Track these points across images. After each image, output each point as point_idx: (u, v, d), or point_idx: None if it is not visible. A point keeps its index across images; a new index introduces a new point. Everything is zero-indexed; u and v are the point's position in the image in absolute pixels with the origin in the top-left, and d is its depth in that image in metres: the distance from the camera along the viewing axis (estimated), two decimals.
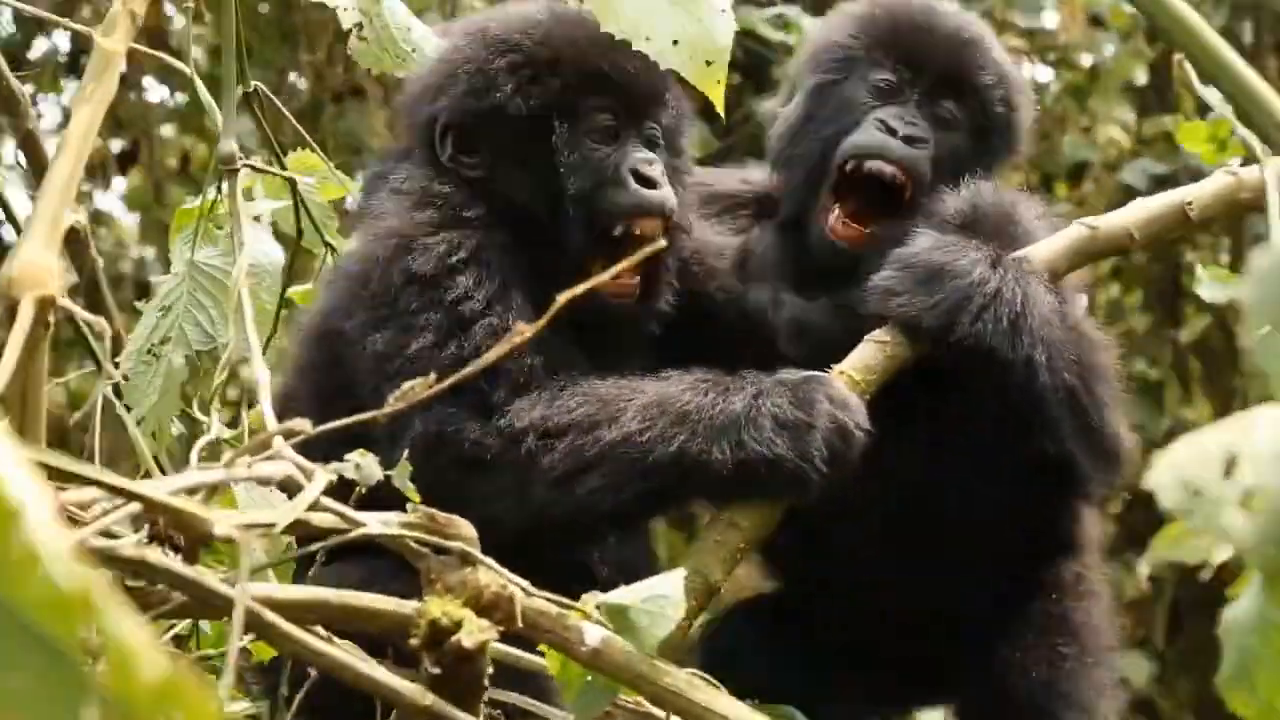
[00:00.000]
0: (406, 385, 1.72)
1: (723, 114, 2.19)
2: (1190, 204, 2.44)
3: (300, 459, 1.67)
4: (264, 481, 1.66)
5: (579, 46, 2.44)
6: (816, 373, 2.34)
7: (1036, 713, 2.63)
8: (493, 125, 2.43)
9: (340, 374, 2.28)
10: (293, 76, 5.34)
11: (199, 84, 2.34)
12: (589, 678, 1.84)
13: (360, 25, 2.44)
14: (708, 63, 2.12)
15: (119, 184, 5.57)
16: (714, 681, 1.83)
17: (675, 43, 2.10)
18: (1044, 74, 6.29)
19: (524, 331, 2.15)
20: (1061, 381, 2.42)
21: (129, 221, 5.55)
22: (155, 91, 5.45)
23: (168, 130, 5.66)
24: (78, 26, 2.05)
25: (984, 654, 2.60)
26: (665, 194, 2.46)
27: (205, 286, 2.39)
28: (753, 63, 5.25)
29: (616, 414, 2.31)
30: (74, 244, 2.96)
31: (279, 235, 2.52)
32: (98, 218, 5.59)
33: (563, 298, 1.66)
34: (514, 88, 2.42)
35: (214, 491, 1.64)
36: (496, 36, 2.45)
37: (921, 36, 2.64)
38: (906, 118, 2.58)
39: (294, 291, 2.63)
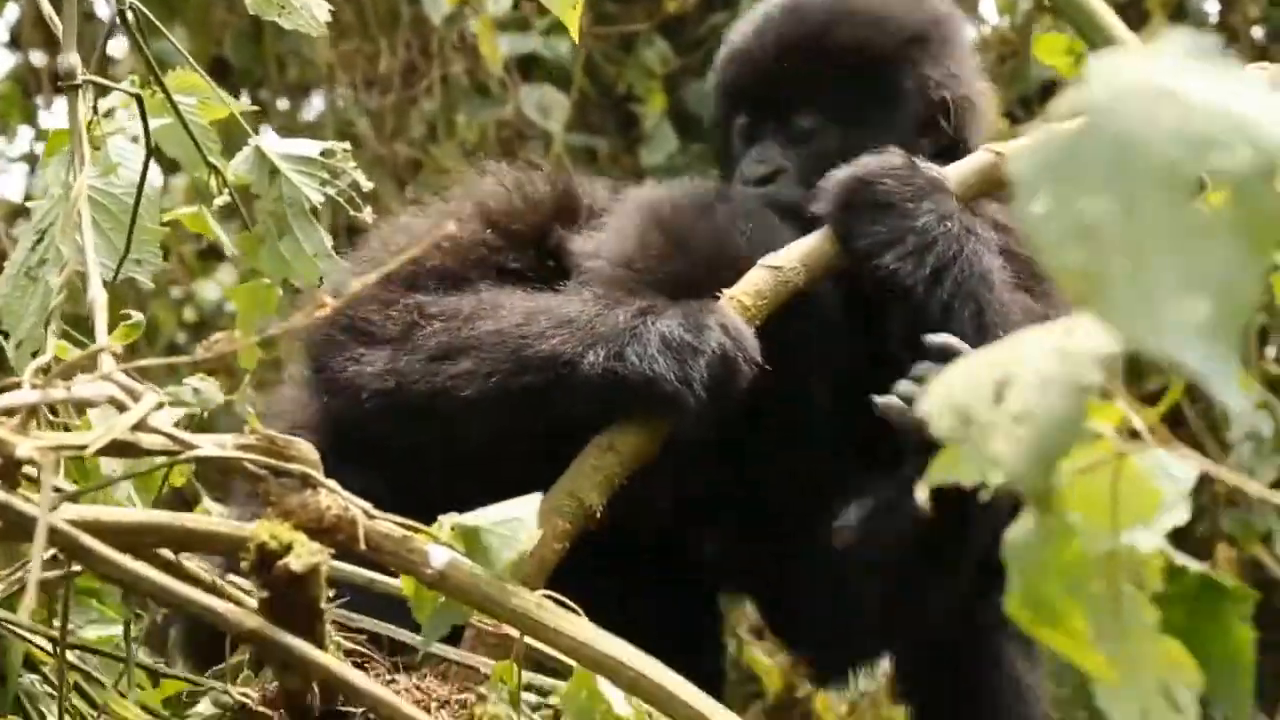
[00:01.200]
0: None
1: (575, 37, 2.16)
2: None
3: (126, 379, 1.65)
4: (85, 403, 1.64)
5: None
6: (714, 299, 2.32)
7: (975, 633, 2.65)
8: None
9: None
10: None
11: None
12: (440, 599, 1.83)
13: None
14: None
15: (60, 104, 5.54)
16: (568, 603, 1.81)
17: None
18: None
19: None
20: (989, 336, 2.38)
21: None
22: (101, 8, 5.41)
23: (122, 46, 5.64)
24: None
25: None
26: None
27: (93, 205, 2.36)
28: None
29: (500, 310, 2.31)
30: None
31: (164, 158, 2.47)
32: (43, 136, 5.56)
33: None
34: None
35: (34, 412, 1.62)
36: None
37: (754, 70, 2.64)
38: (760, 157, 2.60)
39: (181, 214, 2.60)
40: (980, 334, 2.37)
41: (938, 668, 2.67)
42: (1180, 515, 1.21)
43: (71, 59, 2.16)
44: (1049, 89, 6.08)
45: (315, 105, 5.59)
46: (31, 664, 2.05)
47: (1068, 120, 1.04)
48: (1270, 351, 5.01)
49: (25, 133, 5.63)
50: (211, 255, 5.59)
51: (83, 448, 1.54)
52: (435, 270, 2.49)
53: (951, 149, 2.59)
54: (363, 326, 2.34)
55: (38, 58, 5.51)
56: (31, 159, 5.52)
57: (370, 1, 4.91)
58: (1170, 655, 1.17)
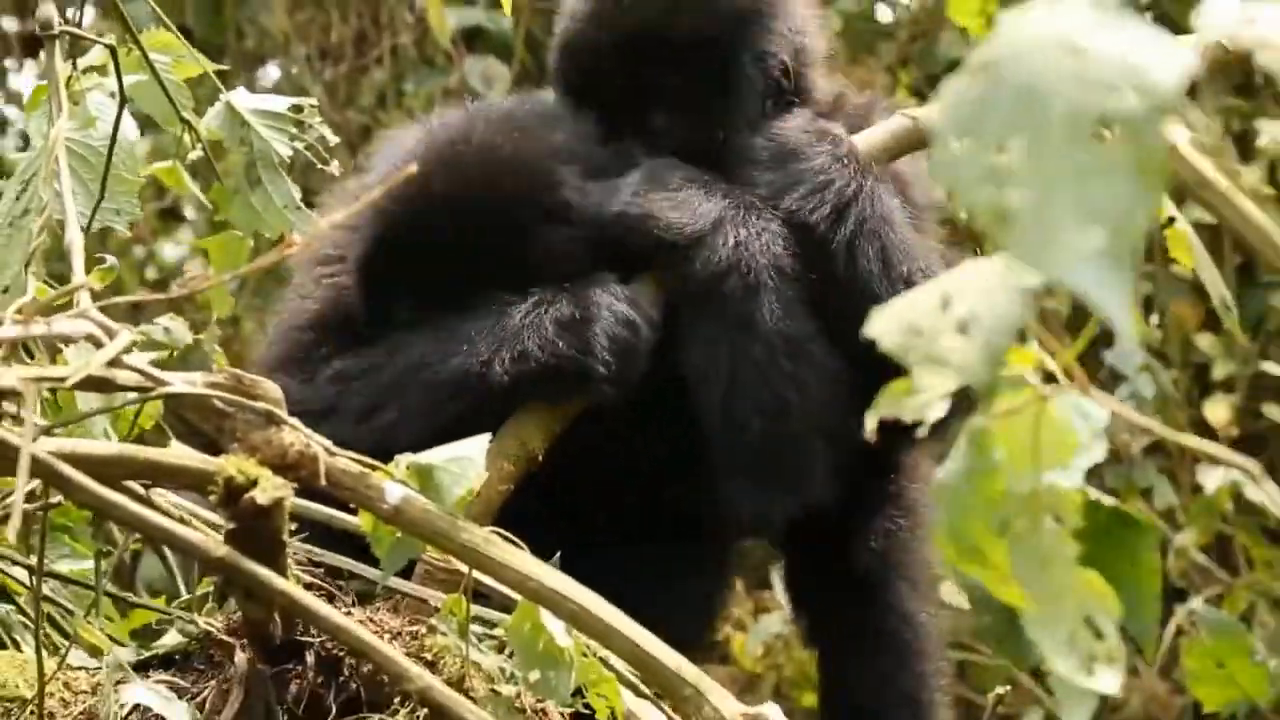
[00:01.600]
0: None
1: (507, 10, 2.16)
2: None
3: (102, 317, 1.65)
4: (63, 339, 1.64)
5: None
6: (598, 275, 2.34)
7: (871, 582, 2.69)
8: None
9: None
10: None
11: None
12: (397, 535, 1.84)
13: None
14: None
15: (31, 67, 5.50)
16: (512, 538, 1.82)
17: None
18: None
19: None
20: (894, 273, 2.40)
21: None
22: None
23: (88, 15, 5.58)
24: None
25: (826, 524, 2.61)
26: None
27: (72, 155, 2.35)
28: None
29: (410, 347, 2.31)
30: None
31: (140, 115, 2.47)
32: (13, 99, 5.53)
33: None
34: None
35: (15, 347, 1.62)
36: None
37: (595, 76, 2.54)
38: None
39: (157, 168, 2.59)
40: (885, 269, 2.41)
41: (841, 609, 2.70)
42: (1097, 454, 1.23)
43: (49, 9, 2.15)
44: (954, 66, 6.10)
45: (270, 75, 5.55)
46: (4, 593, 2.05)
47: (979, 70, 1.07)
48: (1154, 319, 5.06)
49: None
50: (171, 216, 5.55)
51: (62, 380, 1.54)
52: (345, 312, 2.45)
53: (794, 98, 2.57)
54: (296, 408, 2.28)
55: (8, 23, 5.45)
56: (0, 121, 5.46)
57: None
58: (1091, 585, 1.19)
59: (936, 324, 1.15)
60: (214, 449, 1.76)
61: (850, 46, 5.19)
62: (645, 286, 2.37)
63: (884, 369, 2.40)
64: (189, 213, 5.58)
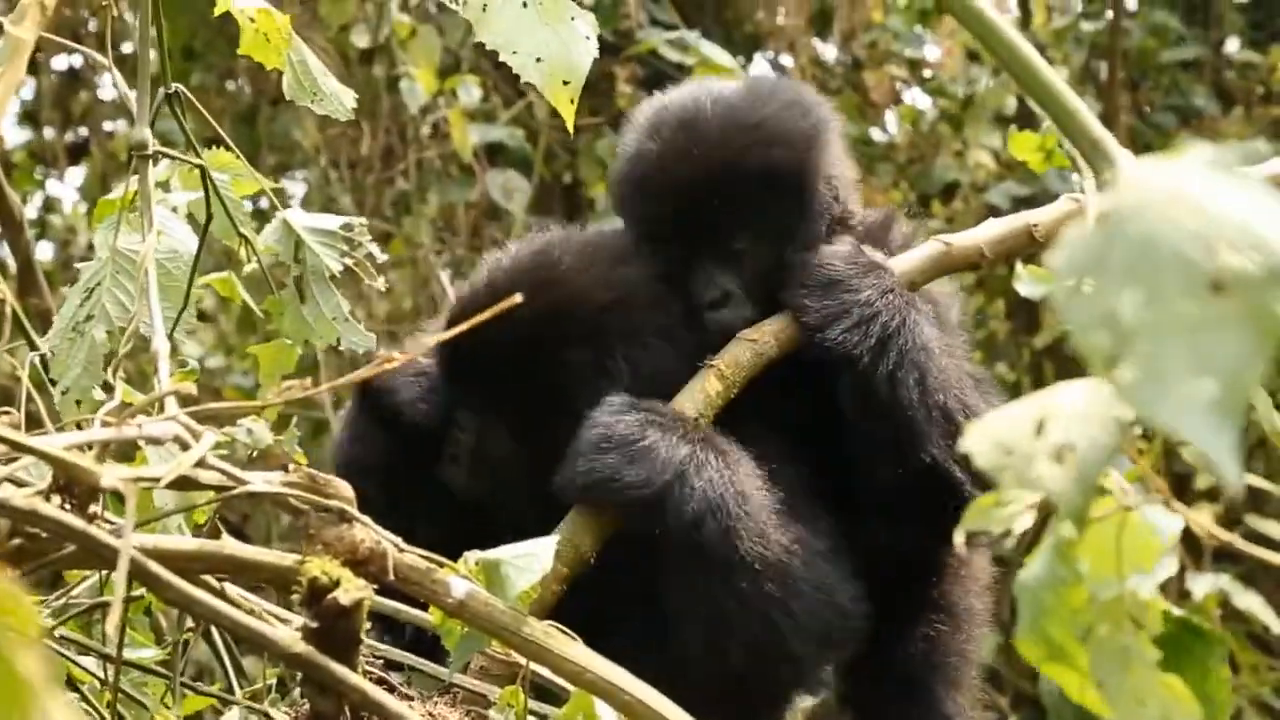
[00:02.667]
0: None
1: (571, 129, 2.17)
2: (1036, 226, 2.49)
3: (189, 420, 1.64)
4: (153, 440, 1.64)
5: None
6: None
7: (911, 682, 2.68)
8: None
9: None
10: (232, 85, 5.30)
11: (116, 75, 2.31)
12: (465, 630, 1.83)
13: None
14: (565, 82, 2.10)
15: (73, 174, 5.53)
16: (569, 632, 1.82)
17: (538, 60, 2.08)
18: (923, 101, 6.33)
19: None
20: (932, 400, 2.41)
21: (82, 208, 5.53)
22: (107, 91, 5.43)
23: (121, 125, 5.63)
24: None
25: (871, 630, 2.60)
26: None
27: (126, 269, 2.36)
28: (656, 78, 5.27)
29: None
30: (11, 228, 2.91)
31: (197, 227, 2.48)
32: (50, 205, 5.55)
33: None
34: None
35: (107, 447, 1.61)
36: None
37: (672, 206, 2.52)
38: (707, 283, 2.52)
39: (213, 279, 2.60)
40: (924, 397, 2.42)
41: (885, 708, 2.71)
42: (1170, 567, 1.23)
43: (145, 132, 2.17)
44: (950, 189, 6.17)
45: (297, 186, 5.58)
46: (71, 683, 2.03)
47: (1101, 219, 1.07)
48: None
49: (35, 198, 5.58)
50: (200, 318, 5.55)
51: (156, 480, 1.53)
52: None
53: (841, 219, 2.60)
54: None
55: (50, 133, 5.48)
56: (40, 224, 5.47)
57: (355, 89, 4.90)
58: (1171, 690, 1.19)
59: (1030, 447, 1.14)
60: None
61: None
62: None
63: (928, 488, 2.42)
64: (209, 308, 5.60)
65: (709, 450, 2.33)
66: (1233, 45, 5.75)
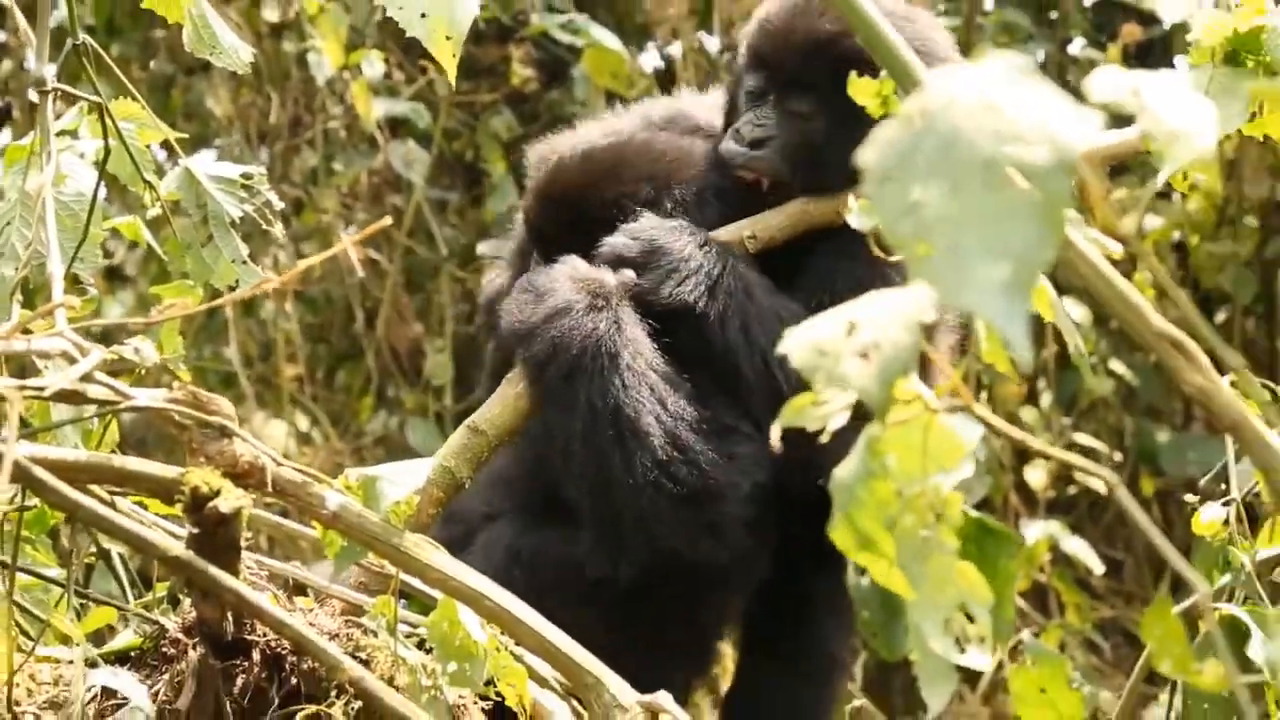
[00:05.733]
0: None
1: (452, 81, 2.15)
2: None
3: (77, 337, 1.62)
4: (42, 354, 1.61)
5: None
6: None
7: (804, 618, 2.69)
8: None
9: None
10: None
11: (19, 16, 2.26)
12: (344, 542, 1.82)
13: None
14: (447, 37, 2.08)
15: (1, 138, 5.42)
16: (435, 543, 1.81)
17: (423, 15, 2.06)
18: None
19: None
20: (752, 341, 2.43)
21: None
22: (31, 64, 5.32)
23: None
24: None
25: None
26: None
27: (33, 210, 2.32)
28: (549, 60, 5.25)
29: None
30: None
31: (105, 175, 2.44)
32: None
33: None
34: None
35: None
36: None
37: (776, 43, 2.60)
38: (757, 120, 2.57)
39: (118, 222, 2.56)
40: (746, 334, 2.43)
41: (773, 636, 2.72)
42: (968, 469, 1.24)
43: (46, 69, 2.12)
44: None
45: (211, 155, 5.50)
46: None
47: (908, 119, 1.07)
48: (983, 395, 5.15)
49: None
50: (114, 277, 5.47)
51: (42, 390, 1.51)
52: None
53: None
54: None
55: None
56: None
57: (265, 62, 4.85)
58: (966, 576, 1.20)
59: (841, 348, 1.15)
60: None
61: None
62: None
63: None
64: (130, 271, 5.52)
65: (602, 314, 2.37)
66: (1077, 45, 5.79)
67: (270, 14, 4.75)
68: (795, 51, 2.58)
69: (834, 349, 1.14)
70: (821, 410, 1.17)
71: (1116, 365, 5.26)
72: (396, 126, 5.15)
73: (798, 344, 1.17)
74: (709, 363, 2.42)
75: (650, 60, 5.62)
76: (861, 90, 1.80)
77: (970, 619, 1.19)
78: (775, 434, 1.21)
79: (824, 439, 1.20)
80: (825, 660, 2.70)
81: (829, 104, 2.53)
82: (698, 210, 2.53)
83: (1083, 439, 5.14)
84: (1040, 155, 1.03)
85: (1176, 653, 1.23)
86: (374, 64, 4.85)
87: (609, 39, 4.97)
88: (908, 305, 1.13)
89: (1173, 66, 2.16)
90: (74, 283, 2.26)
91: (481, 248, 5.11)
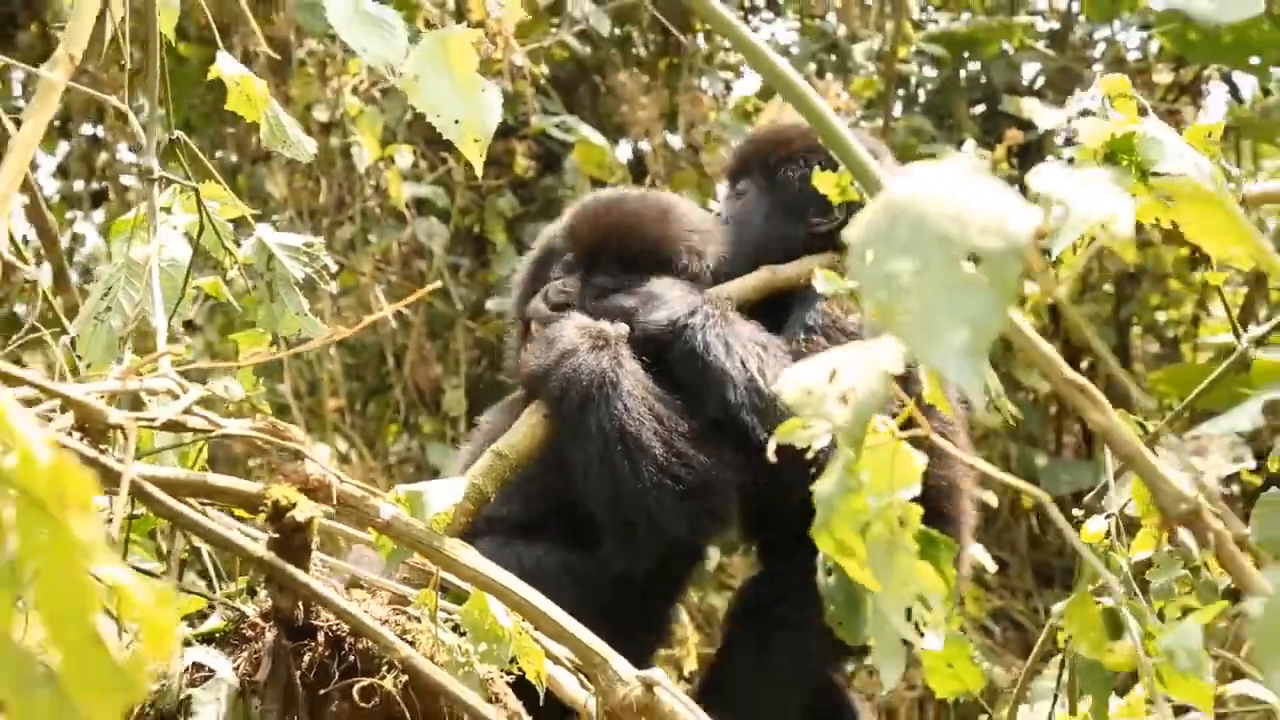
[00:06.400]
0: None
1: (479, 173, 2.12)
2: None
3: (179, 378, 1.60)
4: (150, 391, 1.59)
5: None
6: None
7: (781, 614, 2.60)
8: None
9: None
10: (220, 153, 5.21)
11: (132, 117, 2.24)
12: (394, 546, 1.79)
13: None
14: (475, 140, 2.06)
15: (97, 215, 5.38)
16: (471, 548, 1.79)
17: (456, 121, 2.04)
18: None
19: None
20: (732, 355, 2.39)
21: (102, 245, 5.41)
22: (123, 154, 5.30)
23: (134, 181, 5.50)
24: (26, 66, 1.92)
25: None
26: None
27: (136, 272, 2.30)
28: (545, 152, 5.25)
29: None
30: (46, 239, 2.84)
31: (193, 243, 2.43)
32: (76, 239, 5.41)
33: None
34: None
35: (115, 396, 1.56)
36: None
37: (583, 237, 2.58)
38: (565, 288, 2.55)
39: (204, 282, 2.54)
40: (728, 350, 2.39)
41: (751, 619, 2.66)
42: (916, 489, 1.23)
43: (152, 161, 2.11)
44: None
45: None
46: None
47: (883, 206, 1.06)
48: None
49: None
50: (186, 326, 5.42)
51: (153, 420, 1.48)
52: None
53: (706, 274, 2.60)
54: None
55: (78, 185, 5.34)
56: (69, 254, 5.33)
57: (315, 154, 4.83)
58: (924, 573, 1.18)
59: (825, 389, 1.14)
60: None
61: None
62: None
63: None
64: (199, 321, 5.47)
65: (604, 353, 2.35)
66: (969, 146, 5.82)
67: (321, 115, 4.76)
68: (599, 243, 2.56)
69: (819, 391, 1.13)
70: (808, 433, 1.16)
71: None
72: (421, 205, 5.15)
73: (789, 384, 1.16)
74: (700, 378, 2.38)
75: (625, 153, 5.63)
76: (824, 181, 1.80)
77: (928, 608, 1.18)
78: (771, 447, 1.20)
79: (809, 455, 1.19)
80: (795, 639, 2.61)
81: (624, 275, 2.51)
82: (710, 282, 2.53)
83: (978, 463, 5.14)
84: (994, 243, 1.03)
85: (1093, 637, 1.22)
86: (404, 155, 4.87)
87: (595, 136, 4.99)
88: (881, 357, 1.12)
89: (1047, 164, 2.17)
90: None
91: (489, 304, 5.11)
